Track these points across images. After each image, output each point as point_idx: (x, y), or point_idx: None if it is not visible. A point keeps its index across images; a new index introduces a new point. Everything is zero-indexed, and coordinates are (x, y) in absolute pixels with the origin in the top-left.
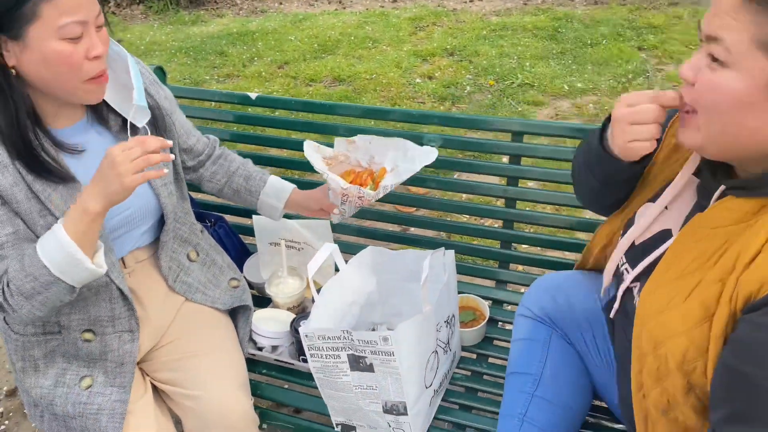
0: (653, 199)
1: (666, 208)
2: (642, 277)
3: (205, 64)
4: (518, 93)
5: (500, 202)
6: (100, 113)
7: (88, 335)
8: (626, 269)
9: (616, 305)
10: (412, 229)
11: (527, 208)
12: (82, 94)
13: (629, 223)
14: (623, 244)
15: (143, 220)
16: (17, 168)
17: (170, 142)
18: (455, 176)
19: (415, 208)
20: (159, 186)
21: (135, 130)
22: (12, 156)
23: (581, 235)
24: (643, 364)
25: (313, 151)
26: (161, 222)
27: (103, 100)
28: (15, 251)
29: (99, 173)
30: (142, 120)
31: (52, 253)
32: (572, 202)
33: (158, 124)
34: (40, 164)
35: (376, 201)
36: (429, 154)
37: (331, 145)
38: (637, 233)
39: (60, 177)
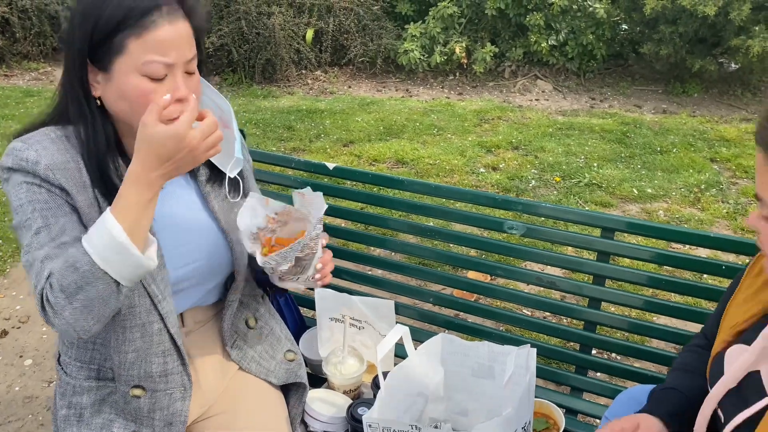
0: (739, 340)
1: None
2: (742, 428)
3: (273, 137)
4: (585, 192)
5: (583, 302)
6: None
7: (137, 391)
8: (719, 413)
9: None
10: (470, 317)
11: (612, 310)
12: None
13: (715, 366)
14: (715, 395)
15: (212, 275)
16: (95, 193)
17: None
18: (523, 266)
19: (475, 296)
20: (234, 241)
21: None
22: (93, 182)
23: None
24: None
25: (260, 206)
26: (227, 282)
27: None
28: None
29: (163, 150)
30: (235, 170)
31: (95, 238)
32: (667, 311)
33: (244, 176)
34: (113, 190)
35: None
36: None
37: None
38: (730, 383)
39: None
